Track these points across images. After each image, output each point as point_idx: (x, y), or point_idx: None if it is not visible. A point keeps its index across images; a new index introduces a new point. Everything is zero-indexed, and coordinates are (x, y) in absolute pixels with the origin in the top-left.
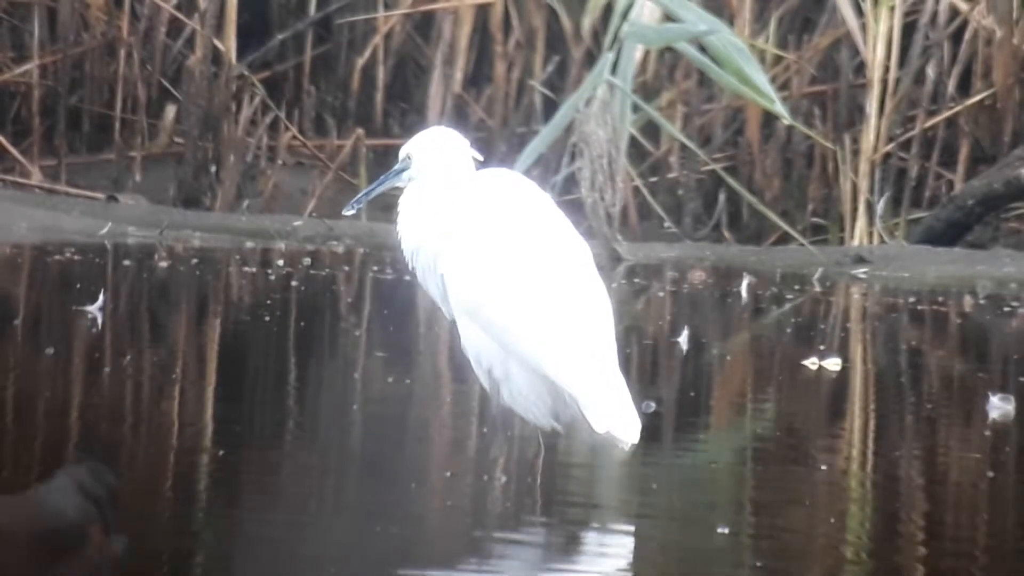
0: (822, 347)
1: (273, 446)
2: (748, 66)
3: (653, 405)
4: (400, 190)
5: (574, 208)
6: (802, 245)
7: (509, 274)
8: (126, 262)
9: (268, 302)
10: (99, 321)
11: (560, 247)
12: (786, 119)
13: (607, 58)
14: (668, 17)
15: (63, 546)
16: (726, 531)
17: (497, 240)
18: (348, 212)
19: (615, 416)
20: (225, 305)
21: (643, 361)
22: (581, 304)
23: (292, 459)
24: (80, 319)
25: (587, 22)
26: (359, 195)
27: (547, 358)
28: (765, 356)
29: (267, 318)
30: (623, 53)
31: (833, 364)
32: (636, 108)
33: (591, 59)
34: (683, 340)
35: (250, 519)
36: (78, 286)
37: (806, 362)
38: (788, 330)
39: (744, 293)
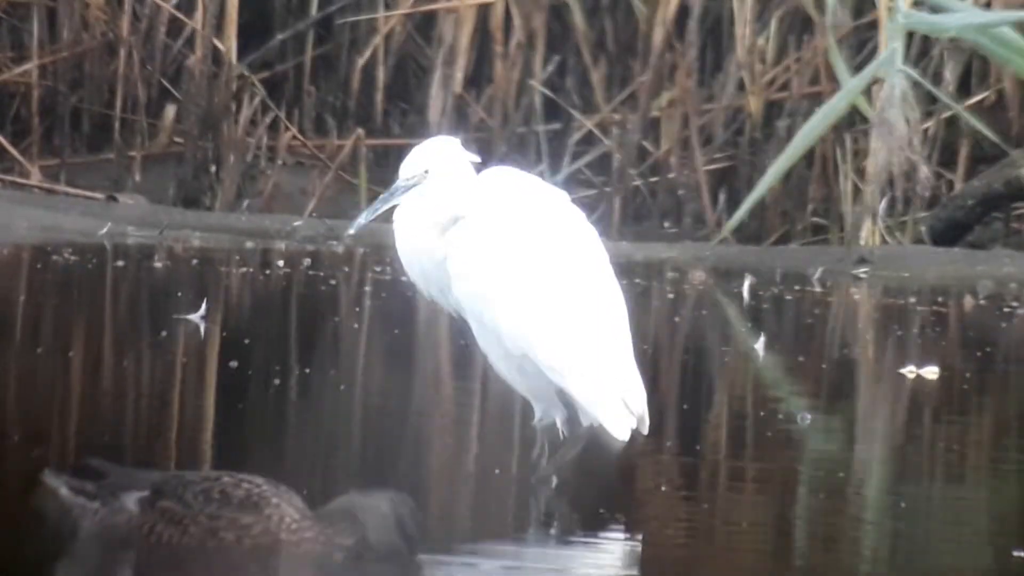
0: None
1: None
2: None
3: (809, 417)
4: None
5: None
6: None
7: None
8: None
9: (357, 310)
10: (202, 329)
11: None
12: None
13: (894, 47)
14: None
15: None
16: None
17: (506, 229)
18: (351, 231)
19: (605, 411)
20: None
21: (740, 370)
22: (587, 298)
23: None
24: (187, 328)
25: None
26: (363, 213)
27: (542, 347)
28: (857, 364)
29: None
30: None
31: (931, 372)
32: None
33: (599, 55)
34: (759, 347)
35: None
36: (179, 294)
37: (903, 370)
38: (869, 336)
39: (745, 293)
